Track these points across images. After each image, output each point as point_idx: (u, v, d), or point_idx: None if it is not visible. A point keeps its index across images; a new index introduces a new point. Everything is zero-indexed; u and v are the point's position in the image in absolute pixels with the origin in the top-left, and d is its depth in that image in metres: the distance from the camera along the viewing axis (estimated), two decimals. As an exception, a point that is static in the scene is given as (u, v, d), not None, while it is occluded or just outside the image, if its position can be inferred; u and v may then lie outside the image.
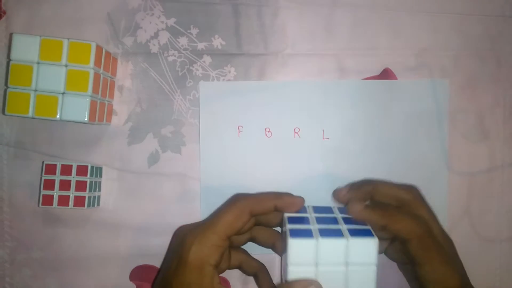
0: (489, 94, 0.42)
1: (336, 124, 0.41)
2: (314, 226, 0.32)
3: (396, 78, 0.41)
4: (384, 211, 0.33)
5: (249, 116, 0.41)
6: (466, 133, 0.42)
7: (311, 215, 0.35)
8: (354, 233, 0.31)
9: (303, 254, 0.31)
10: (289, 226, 0.32)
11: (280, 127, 0.41)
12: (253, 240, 0.38)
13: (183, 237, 0.33)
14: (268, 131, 0.41)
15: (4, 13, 0.41)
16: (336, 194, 0.37)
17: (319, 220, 0.33)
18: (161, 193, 0.41)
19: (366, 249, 0.30)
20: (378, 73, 0.41)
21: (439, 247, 0.33)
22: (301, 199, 0.35)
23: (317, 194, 0.41)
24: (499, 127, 0.42)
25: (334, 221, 0.33)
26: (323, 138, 0.41)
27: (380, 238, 0.31)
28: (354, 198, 0.36)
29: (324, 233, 0.31)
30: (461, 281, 0.32)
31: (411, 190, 0.36)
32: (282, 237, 0.36)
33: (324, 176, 0.41)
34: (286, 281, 0.31)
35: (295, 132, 0.41)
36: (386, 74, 0.41)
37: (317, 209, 0.36)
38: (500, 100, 0.42)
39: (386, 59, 0.41)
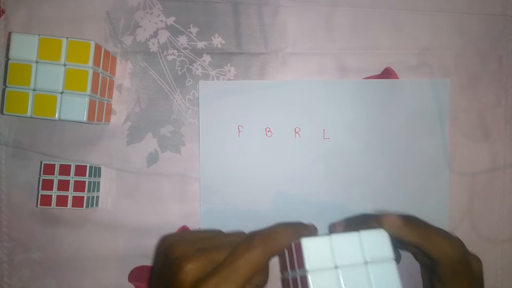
0: (491, 93, 0.42)
1: (337, 124, 0.41)
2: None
3: (397, 77, 0.41)
4: (420, 228, 0.32)
5: (249, 116, 0.41)
6: (467, 133, 0.42)
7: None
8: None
9: (319, 255, 0.29)
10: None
11: (281, 127, 0.41)
12: None
13: (197, 285, 0.29)
14: (269, 131, 0.41)
15: (3, 12, 0.41)
16: (332, 228, 0.37)
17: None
18: (160, 194, 0.40)
19: (379, 241, 0.30)
20: (379, 72, 0.41)
21: (469, 274, 0.32)
22: (315, 229, 0.34)
23: (318, 194, 0.40)
24: (500, 127, 0.42)
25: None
26: (324, 138, 0.41)
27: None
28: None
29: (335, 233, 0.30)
30: None
31: (411, 221, 0.34)
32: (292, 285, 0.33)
33: (324, 177, 0.41)
34: None
35: (295, 132, 0.41)
36: (387, 73, 0.41)
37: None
38: (502, 100, 0.42)
39: (387, 58, 0.41)
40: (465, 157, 0.41)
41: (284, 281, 0.33)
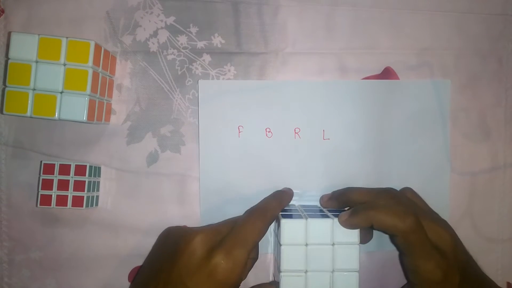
0: (491, 93, 0.42)
1: (336, 124, 0.41)
2: (303, 214, 0.36)
3: (397, 77, 0.41)
4: (366, 212, 0.34)
5: (249, 116, 0.41)
6: (467, 132, 0.41)
7: (300, 209, 0.38)
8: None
9: (294, 234, 0.34)
10: (281, 214, 0.36)
11: (281, 127, 0.41)
12: None
13: (209, 255, 0.33)
14: (269, 131, 0.41)
15: (3, 11, 0.41)
16: (320, 199, 0.40)
17: (308, 211, 0.37)
18: (160, 193, 0.40)
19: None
20: (379, 72, 0.41)
21: (424, 242, 0.33)
22: (291, 190, 0.40)
23: (318, 194, 0.40)
24: (500, 126, 0.42)
25: (321, 211, 0.37)
26: (324, 139, 0.41)
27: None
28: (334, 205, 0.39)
29: (312, 216, 0.35)
30: (444, 276, 0.33)
31: (386, 192, 0.37)
32: (275, 240, 0.39)
33: (324, 177, 0.41)
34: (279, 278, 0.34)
35: (295, 133, 0.41)
36: (387, 73, 0.41)
37: (305, 206, 0.39)
38: (502, 100, 0.42)
39: (387, 58, 0.41)
40: (465, 157, 0.41)
41: (275, 244, 0.40)
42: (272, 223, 0.36)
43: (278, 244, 0.36)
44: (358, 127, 0.41)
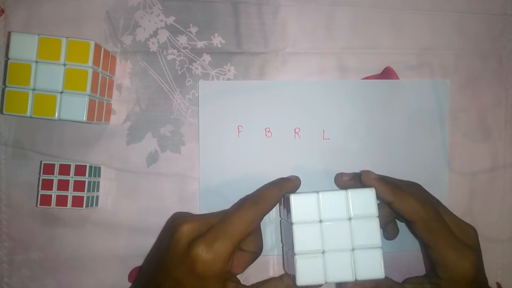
0: (491, 93, 0.42)
1: (336, 124, 0.41)
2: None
3: (397, 77, 0.41)
4: (394, 188, 0.33)
5: (249, 116, 0.41)
6: (467, 132, 0.41)
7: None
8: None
9: (306, 210, 0.31)
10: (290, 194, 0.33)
11: (281, 127, 0.41)
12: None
13: (191, 246, 0.31)
14: (268, 131, 0.41)
15: (3, 11, 0.41)
16: (338, 177, 0.38)
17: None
18: (160, 193, 0.40)
19: (366, 199, 0.31)
20: (379, 72, 0.41)
21: (447, 232, 0.33)
22: (298, 178, 0.37)
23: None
24: (500, 126, 0.42)
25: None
26: (324, 139, 0.41)
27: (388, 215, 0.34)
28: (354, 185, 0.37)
29: (324, 190, 0.32)
30: (472, 270, 0.32)
31: (414, 186, 0.37)
32: (284, 230, 0.36)
33: (324, 177, 0.41)
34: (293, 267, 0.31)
35: (295, 133, 0.41)
36: (387, 73, 0.41)
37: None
38: (502, 99, 0.42)
39: (387, 58, 0.41)
40: (465, 156, 0.41)
41: (282, 223, 0.38)
42: (267, 213, 0.34)
43: (288, 225, 0.33)
44: (358, 127, 0.41)
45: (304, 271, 0.31)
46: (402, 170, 0.41)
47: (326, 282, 0.31)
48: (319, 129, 0.41)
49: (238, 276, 0.36)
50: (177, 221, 0.33)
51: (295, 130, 0.41)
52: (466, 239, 0.34)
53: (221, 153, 0.40)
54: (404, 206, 0.33)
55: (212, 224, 0.33)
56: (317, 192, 0.31)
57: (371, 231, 0.31)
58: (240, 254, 0.35)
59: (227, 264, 0.32)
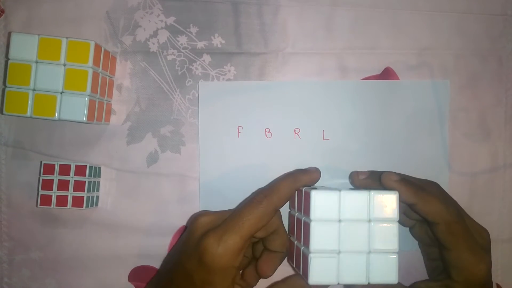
0: (491, 93, 0.42)
1: (336, 124, 0.41)
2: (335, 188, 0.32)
3: (397, 77, 0.41)
4: (417, 189, 0.33)
5: (249, 117, 0.41)
6: (467, 133, 0.41)
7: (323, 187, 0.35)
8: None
9: (326, 208, 0.30)
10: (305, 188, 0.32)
11: (280, 127, 0.41)
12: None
13: (202, 237, 0.31)
14: (268, 132, 0.41)
15: (3, 12, 0.41)
16: (354, 175, 0.37)
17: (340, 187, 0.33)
18: (160, 193, 0.40)
19: (388, 203, 0.31)
20: (379, 72, 0.41)
21: (468, 235, 0.33)
22: (317, 170, 0.35)
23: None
24: (500, 127, 0.42)
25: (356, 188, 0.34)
26: (324, 139, 0.41)
27: (408, 217, 0.33)
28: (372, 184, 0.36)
29: (346, 189, 0.31)
30: (487, 273, 0.32)
31: (433, 185, 0.36)
32: (294, 222, 0.36)
33: (324, 178, 0.40)
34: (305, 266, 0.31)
35: (295, 133, 0.41)
36: (387, 73, 0.41)
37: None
38: (502, 100, 0.42)
39: (387, 58, 0.41)
40: (465, 157, 0.41)
41: (291, 216, 0.36)
42: (280, 207, 0.33)
43: (303, 220, 0.32)
44: (358, 128, 0.41)
45: (318, 271, 0.30)
46: (402, 170, 0.41)
47: (338, 283, 0.31)
48: (319, 129, 0.41)
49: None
50: (195, 215, 0.34)
51: (295, 130, 0.41)
52: (481, 241, 0.34)
53: (221, 154, 0.40)
54: (428, 207, 0.32)
55: (225, 217, 0.33)
56: (339, 190, 0.31)
57: (390, 235, 0.30)
58: (267, 255, 0.35)
59: (236, 259, 0.31)
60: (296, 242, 0.34)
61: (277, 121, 0.41)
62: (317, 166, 0.40)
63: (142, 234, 0.40)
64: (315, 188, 0.32)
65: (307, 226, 0.31)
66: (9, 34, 0.35)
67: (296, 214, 0.35)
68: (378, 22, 0.41)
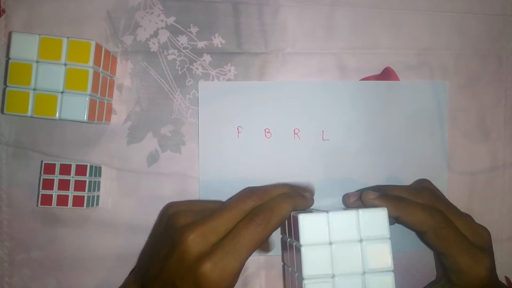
0: (490, 93, 0.42)
1: (336, 125, 0.41)
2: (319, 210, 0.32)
3: (397, 77, 0.41)
4: (397, 202, 0.33)
5: (248, 117, 0.41)
6: (467, 133, 0.42)
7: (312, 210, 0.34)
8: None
9: (315, 232, 0.30)
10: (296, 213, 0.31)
11: (280, 128, 0.41)
12: None
13: (198, 262, 0.30)
14: (268, 132, 0.41)
15: (4, 11, 0.41)
16: (345, 198, 0.37)
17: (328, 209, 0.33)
18: (160, 193, 0.41)
19: (377, 220, 0.30)
20: (379, 72, 0.41)
21: (460, 238, 0.33)
22: (312, 199, 0.35)
23: (317, 196, 0.40)
24: (500, 126, 0.42)
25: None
26: (323, 139, 0.41)
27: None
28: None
29: (334, 210, 0.31)
30: (487, 274, 0.32)
31: (423, 191, 0.36)
32: (287, 248, 0.35)
33: (324, 178, 0.41)
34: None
35: (294, 133, 0.41)
36: (387, 73, 0.41)
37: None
38: (501, 100, 0.42)
39: (387, 58, 0.41)
40: (464, 156, 0.41)
41: (283, 242, 0.36)
42: (277, 229, 0.32)
43: (294, 246, 0.32)
44: (357, 128, 0.41)
45: None
46: (402, 170, 0.41)
47: None
48: (318, 129, 0.41)
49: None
50: (182, 229, 0.32)
51: (294, 130, 0.41)
52: (479, 241, 0.33)
53: (221, 153, 0.40)
54: (411, 218, 0.32)
55: (219, 233, 0.31)
56: (327, 211, 0.30)
57: (383, 253, 0.30)
58: None
59: (234, 282, 0.31)
60: (290, 269, 0.34)
61: (276, 121, 0.41)
62: (316, 166, 0.40)
63: (142, 234, 0.40)
64: (303, 211, 0.31)
65: (298, 251, 0.30)
66: (10, 33, 0.35)
67: (288, 240, 0.34)
68: (378, 22, 0.41)
